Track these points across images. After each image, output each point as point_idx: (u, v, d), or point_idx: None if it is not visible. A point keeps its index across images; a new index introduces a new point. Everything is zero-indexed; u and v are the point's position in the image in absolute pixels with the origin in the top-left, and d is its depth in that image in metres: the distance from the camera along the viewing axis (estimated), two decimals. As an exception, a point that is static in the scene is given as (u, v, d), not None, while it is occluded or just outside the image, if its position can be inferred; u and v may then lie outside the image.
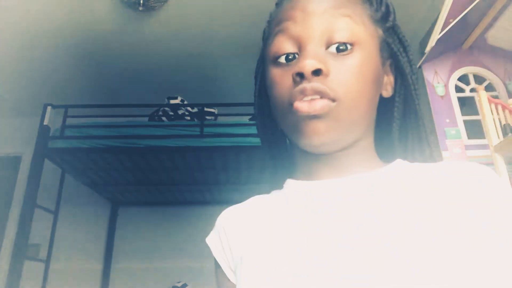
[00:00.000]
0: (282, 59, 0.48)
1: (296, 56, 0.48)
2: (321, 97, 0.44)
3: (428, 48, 1.92)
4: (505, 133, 1.60)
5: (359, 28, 0.47)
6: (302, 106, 0.44)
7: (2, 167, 3.62)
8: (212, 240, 0.55)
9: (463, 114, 1.95)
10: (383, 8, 0.52)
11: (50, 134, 2.46)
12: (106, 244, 3.43)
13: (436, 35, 1.86)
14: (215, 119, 2.77)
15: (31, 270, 2.56)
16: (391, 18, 0.52)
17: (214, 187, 3.16)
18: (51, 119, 2.51)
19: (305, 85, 0.44)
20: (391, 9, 0.53)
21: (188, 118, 2.73)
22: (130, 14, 2.57)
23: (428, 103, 1.94)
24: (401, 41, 0.53)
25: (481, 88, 1.69)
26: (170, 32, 2.75)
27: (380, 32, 0.51)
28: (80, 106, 2.59)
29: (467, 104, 2.01)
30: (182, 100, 2.86)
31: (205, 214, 3.53)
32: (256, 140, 2.38)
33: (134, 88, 3.32)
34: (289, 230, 0.47)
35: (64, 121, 2.49)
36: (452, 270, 0.37)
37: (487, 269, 0.38)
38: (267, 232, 0.48)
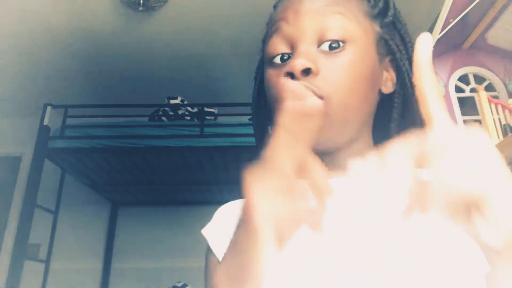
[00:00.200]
0: (277, 60, 0.49)
1: (291, 56, 0.48)
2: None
3: (428, 48, 1.92)
4: (505, 133, 1.60)
5: (351, 25, 0.47)
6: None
7: (2, 167, 3.62)
8: (209, 231, 0.55)
9: (463, 114, 1.95)
10: (380, 4, 0.52)
11: (50, 134, 2.46)
12: (106, 244, 3.43)
13: (436, 35, 1.86)
14: (215, 119, 2.77)
15: (31, 270, 2.56)
16: (390, 13, 0.52)
17: (214, 187, 3.16)
18: (51, 119, 2.51)
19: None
20: (390, 4, 0.52)
21: (188, 118, 2.73)
22: (130, 14, 2.57)
23: (428, 103, 1.94)
24: (402, 37, 0.53)
25: (481, 88, 1.69)
26: (170, 32, 2.75)
27: (377, 28, 0.51)
28: (80, 106, 2.59)
29: (467, 104, 2.01)
30: (182, 100, 2.86)
31: (205, 214, 3.50)
32: (256, 140, 2.38)
33: (134, 88, 3.32)
34: None
35: (64, 121, 2.49)
36: (451, 270, 0.37)
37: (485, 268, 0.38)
38: None
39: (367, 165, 0.32)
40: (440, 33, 1.84)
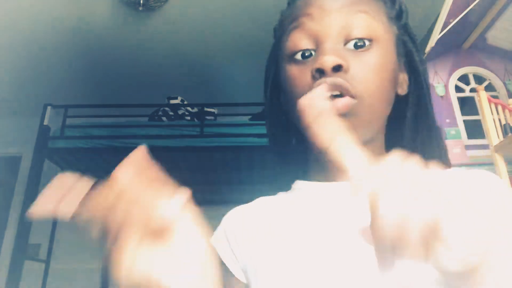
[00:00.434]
0: (299, 56, 0.48)
1: (313, 53, 0.47)
2: (342, 93, 0.44)
3: (428, 48, 1.92)
4: (505, 133, 1.60)
5: (376, 24, 0.47)
6: None
7: (2, 167, 3.62)
8: (217, 240, 0.54)
9: (463, 114, 1.95)
10: (397, 6, 0.51)
11: (50, 134, 2.46)
12: (106, 244, 3.43)
13: (436, 35, 1.86)
14: (215, 119, 2.78)
15: (31, 270, 2.56)
16: (404, 16, 0.52)
17: (214, 187, 3.16)
18: (51, 119, 2.51)
19: (326, 80, 0.44)
20: (403, 8, 0.52)
21: (188, 118, 2.73)
22: (130, 14, 2.58)
23: (428, 103, 1.94)
24: (412, 40, 0.52)
25: (481, 88, 1.69)
26: (170, 32, 2.75)
27: (395, 29, 0.51)
28: (80, 106, 2.59)
29: (467, 104, 2.01)
30: (182, 100, 2.86)
31: (205, 214, 3.52)
32: (256, 140, 2.38)
33: (134, 88, 3.32)
34: (303, 231, 0.46)
35: (64, 121, 2.49)
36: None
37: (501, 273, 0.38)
38: (283, 234, 0.48)
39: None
40: (440, 33, 1.84)
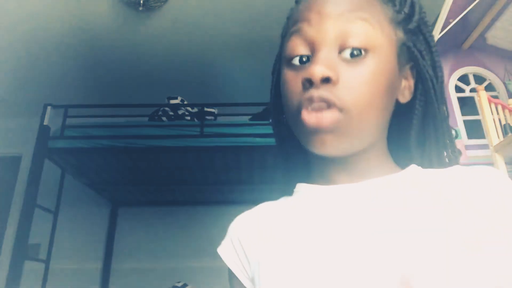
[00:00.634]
0: (296, 61, 0.48)
1: (310, 58, 0.47)
2: (328, 106, 0.43)
3: (428, 48, 1.92)
4: (505, 133, 1.61)
5: (375, 33, 0.46)
6: (310, 118, 0.44)
7: (2, 167, 3.62)
8: (225, 250, 0.54)
9: (463, 114, 1.95)
10: (406, 9, 0.50)
11: (50, 134, 2.46)
12: (106, 244, 3.43)
13: (436, 35, 1.86)
14: (215, 119, 2.77)
15: (31, 270, 2.56)
16: (415, 19, 0.50)
17: (214, 187, 3.16)
18: (51, 119, 2.51)
19: (313, 93, 0.44)
20: (416, 9, 0.50)
21: (188, 118, 2.73)
22: (130, 14, 2.58)
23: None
24: (426, 41, 0.51)
25: (481, 88, 1.69)
26: (170, 32, 2.75)
27: (400, 35, 0.49)
28: (80, 106, 2.59)
29: (467, 104, 2.01)
30: (182, 100, 2.86)
31: (205, 214, 3.53)
32: (256, 140, 2.38)
33: (134, 88, 3.32)
34: (307, 235, 0.47)
35: (64, 121, 2.49)
36: (464, 276, 0.37)
37: (501, 273, 0.39)
38: (285, 238, 0.48)
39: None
40: (440, 33, 1.84)
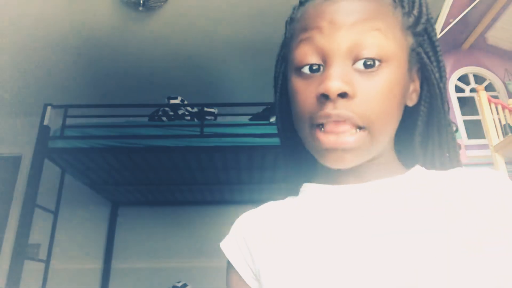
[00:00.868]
0: (306, 70, 0.46)
1: (321, 68, 0.46)
2: (346, 123, 0.43)
3: (428, 48, 1.92)
4: (505, 133, 1.61)
5: (388, 43, 0.45)
6: (328, 140, 0.43)
7: (2, 167, 3.62)
8: (228, 246, 0.54)
9: (463, 114, 1.95)
10: (415, 11, 0.49)
11: (50, 134, 2.46)
12: (106, 244, 3.43)
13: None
14: (215, 119, 2.77)
15: (31, 270, 2.56)
16: (423, 20, 0.49)
17: (214, 187, 3.16)
18: (51, 119, 2.51)
19: (330, 111, 0.43)
20: (423, 10, 0.50)
21: (188, 118, 2.73)
22: (130, 14, 2.58)
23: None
24: (432, 44, 0.51)
25: (481, 88, 1.69)
26: (170, 32, 2.75)
27: (410, 40, 0.48)
28: (80, 106, 2.59)
29: (467, 104, 2.01)
30: (182, 100, 2.86)
31: (205, 214, 3.53)
32: (256, 140, 2.38)
33: (134, 88, 3.32)
34: (312, 236, 0.47)
35: (64, 121, 2.49)
36: (466, 276, 0.38)
37: (502, 274, 0.39)
38: (290, 238, 0.48)
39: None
40: (440, 33, 1.84)
